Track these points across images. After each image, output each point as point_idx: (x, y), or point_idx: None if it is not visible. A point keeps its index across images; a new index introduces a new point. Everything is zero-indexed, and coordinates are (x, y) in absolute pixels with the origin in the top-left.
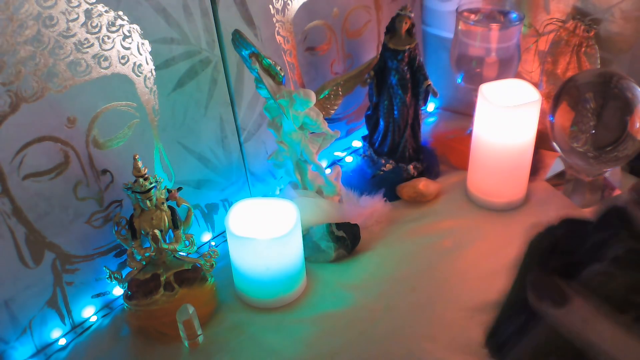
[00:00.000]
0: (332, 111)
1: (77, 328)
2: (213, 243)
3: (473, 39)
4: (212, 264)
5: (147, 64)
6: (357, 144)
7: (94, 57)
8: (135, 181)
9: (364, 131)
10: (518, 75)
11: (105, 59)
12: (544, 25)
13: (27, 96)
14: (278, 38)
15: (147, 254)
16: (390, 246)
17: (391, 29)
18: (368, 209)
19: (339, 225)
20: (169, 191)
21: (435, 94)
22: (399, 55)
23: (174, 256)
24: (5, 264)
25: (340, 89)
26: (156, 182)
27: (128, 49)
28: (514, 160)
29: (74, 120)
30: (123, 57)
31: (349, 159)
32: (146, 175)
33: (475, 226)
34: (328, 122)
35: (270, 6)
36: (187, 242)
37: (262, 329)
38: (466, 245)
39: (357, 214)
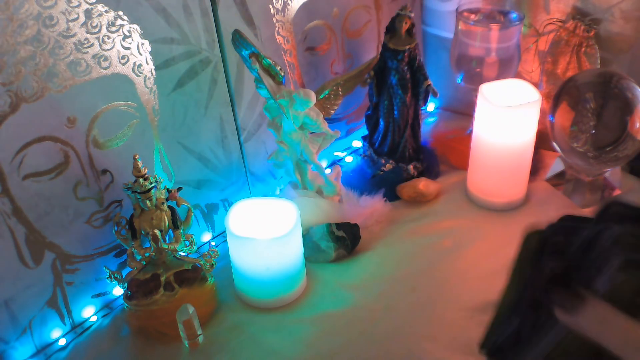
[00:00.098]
0: (332, 111)
1: (77, 328)
2: (213, 243)
3: (473, 39)
4: (212, 264)
5: (147, 64)
6: (357, 144)
7: (94, 57)
8: (135, 181)
9: (364, 131)
10: (518, 75)
11: (105, 59)
12: (544, 25)
13: (27, 96)
14: (278, 38)
15: (147, 254)
16: (390, 246)
17: (391, 29)
18: (368, 209)
19: (339, 225)
20: (169, 191)
21: (435, 94)
22: (399, 55)
23: (174, 256)
24: (5, 264)
25: (340, 89)
26: (156, 182)
27: (128, 49)
28: (514, 160)
29: (74, 120)
30: (123, 57)
31: (349, 159)
32: (146, 175)
33: (475, 226)
34: (328, 122)
35: (270, 6)
36: (187, 242)
37: (262, 329)
38: (466, 245)
39: (357, 214)
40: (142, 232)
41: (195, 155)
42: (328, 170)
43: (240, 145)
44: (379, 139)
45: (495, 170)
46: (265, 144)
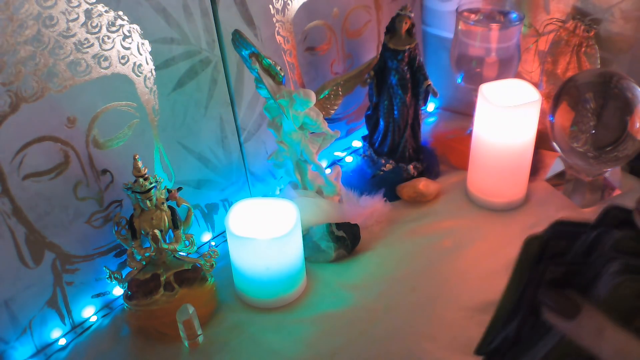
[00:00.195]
0: (332, 111)
1: (77, 328)
2: (213, 243)
3: (473, 39)
4: (212, 264)
5: (147, 64)
6: (357, 144)
7: (94, 57)
8: (135, 181)
9: (364, 131)
10: (518, 75)
11: (105, 59)
12: (544, 25)
13: (27, 96)
14: (278, 38)
15: (147, 254)
16: (390, 246)
17: (391, 29)
18: (368, 209)
19: (339, 225)
20: (169, 191)
21: (435, 94)
22: (399, 55)
23: (174, 256)
24: (5, 264)
25: (340, 89)
26: (156, 182)
27: (128, 49)
28: (514, 160)
29: (74, 120)
30: (123, 57)
31: (349, 159)
32: (146, 175)
33: (475, 226)
34: (328, 122)
35: (270, 6)
36: (187, 242)
37: (262, 329)
38: (466, 245)
39: (357, 214)
40: (142, 232)
41: (195, 155)
42: (328, 170)
43: (240, 145)
44: (379, 139)
45: (495, 170)
46: (265, 144)
